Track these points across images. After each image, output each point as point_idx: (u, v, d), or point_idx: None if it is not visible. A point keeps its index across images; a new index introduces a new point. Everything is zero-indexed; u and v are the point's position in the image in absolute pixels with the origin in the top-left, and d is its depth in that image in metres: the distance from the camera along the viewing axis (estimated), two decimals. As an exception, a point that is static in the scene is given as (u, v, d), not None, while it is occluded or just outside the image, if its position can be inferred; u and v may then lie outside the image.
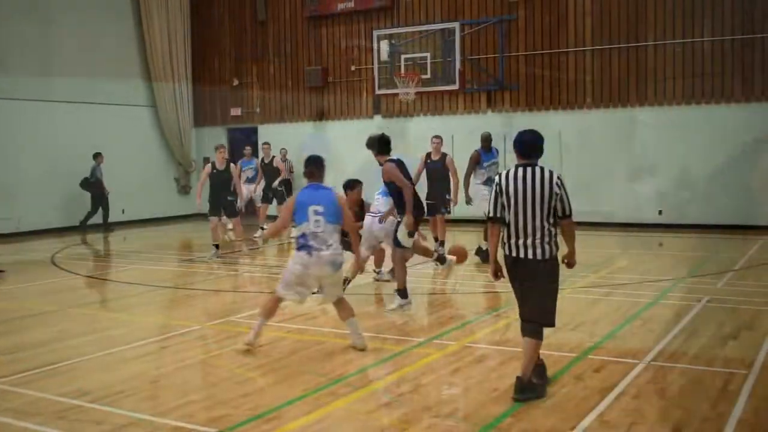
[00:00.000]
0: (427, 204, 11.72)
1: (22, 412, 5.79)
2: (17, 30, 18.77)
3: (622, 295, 9.77)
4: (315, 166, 7.42)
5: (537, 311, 5.87)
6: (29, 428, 5.46)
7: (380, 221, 9.93)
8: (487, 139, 12.90)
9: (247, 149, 17.91)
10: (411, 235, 9.11)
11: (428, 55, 17.41)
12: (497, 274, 6.02)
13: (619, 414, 5.46)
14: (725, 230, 16.12)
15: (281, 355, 7.26)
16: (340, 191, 9.23)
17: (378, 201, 10.51)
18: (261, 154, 17.35)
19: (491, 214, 5.89)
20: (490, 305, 9.64)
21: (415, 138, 18.73)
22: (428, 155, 13.06)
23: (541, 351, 6.04)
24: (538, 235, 5.72)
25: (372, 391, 6.12)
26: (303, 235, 7.10)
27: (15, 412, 5.80)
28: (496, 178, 5.93)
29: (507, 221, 5.82)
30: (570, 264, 5.99)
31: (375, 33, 18.05)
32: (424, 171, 12.98)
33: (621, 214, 17.20)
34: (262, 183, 17.29)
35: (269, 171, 17.19)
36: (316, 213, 7.06)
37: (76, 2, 20.27)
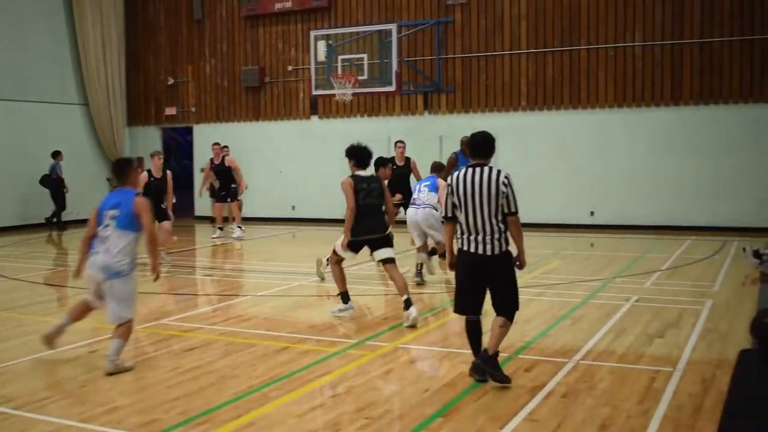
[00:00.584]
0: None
1: (-59, 419, 5.63)
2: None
3: (554, 296, 9.93)
4: (115, 171, 7.23)
5: (510, 301, 6.24)
6: (-51, 436, 5.31)
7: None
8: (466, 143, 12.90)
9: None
10: (351, 247, 8.82)
11: (365, 56, 17.41)
12: (452, 266, 6.38)
13: (547, 413, 5.54)
14: (655, 231, 16.53)
15: (213, 357, 7.19)
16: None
17: (422, 192, 10.91)
18: (211, 155, 16.97)
19: (444, 214, 6.31)
20: (424, 306, 9.69)
21: (352, 139, 18.72)
22: (392, 161, 12.65)
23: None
24: (488, 231, 6.07)
25: (304, 394, 6.10)
26: (94, 238, 6.92)
27: (-66, 419, 5.63)
28: (448, 179, 6.29)
29: (459, 220, 6.17)
30: (520, 265, 6.26)
31: (312, 33, 17.98)
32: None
33: (554, 216, 17.52)
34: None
35: (221, 171, 16.71)
36: (111, 217, 6.83)
37: (4, -2, 19.80)
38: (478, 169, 6.14)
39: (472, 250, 6.12)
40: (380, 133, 18.81)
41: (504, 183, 6.06)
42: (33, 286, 11.61)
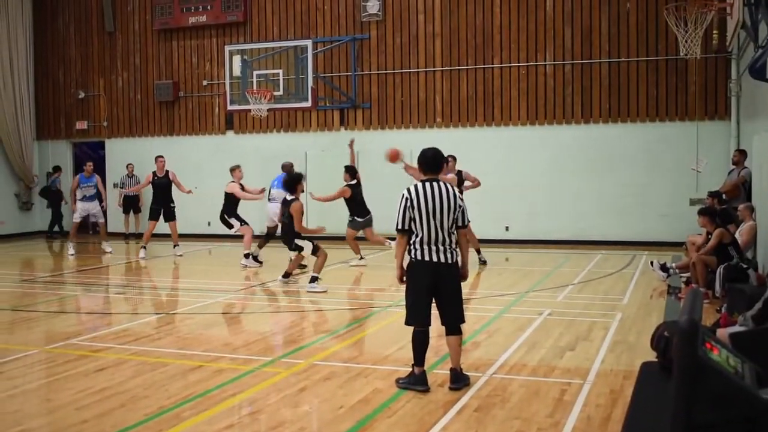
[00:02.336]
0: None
1: None
2: None
3: (469, 310, 9.98)
4: None
5: (460, 311, 6.54)
6: None
7: None
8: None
9: (88, 165, 17.29)
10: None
11: (281, 71, 17.37)
12: (402, 279, 6.56)
13: (460, 426, 5.61)
14: (568, 245, 16.93)
15: (123, 378, 7.03)
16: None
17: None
18: (154, 168, 16.62)
19: (400, 226, 6.42)
20: (340, 322, 9.68)
21: (268, 155, 18.66)
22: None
23: (386, 367, 6.13)
24: (447, 242, 6.38)
25: (218, 413, 6.01)
26: None
27: None
28: (405, 192, 6.44)
29: (416, 232, 6.36)
30: (463, 276, 6.60)
31: (227, 48, 17.88)
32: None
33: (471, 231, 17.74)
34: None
35: (162, 185, 16.28)
36: None
37: None
38: (435, 184, 6.41)
39: (435, 259, 6.34)
40: (297, 149, 18.78)
41: (460, 198, 6.46)
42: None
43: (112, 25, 21.29)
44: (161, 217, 16.12)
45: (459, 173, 13.87)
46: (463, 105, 18.13)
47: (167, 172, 16.30)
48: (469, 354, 7.69)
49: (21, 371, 7.48)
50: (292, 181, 11.72)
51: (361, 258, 14.34)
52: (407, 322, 6.55)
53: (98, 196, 17.05)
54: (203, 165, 19.93)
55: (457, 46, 18.11)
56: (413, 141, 17.83)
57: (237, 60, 17.53)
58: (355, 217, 14.06)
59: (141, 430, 5.64)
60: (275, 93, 16.89)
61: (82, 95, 21.74)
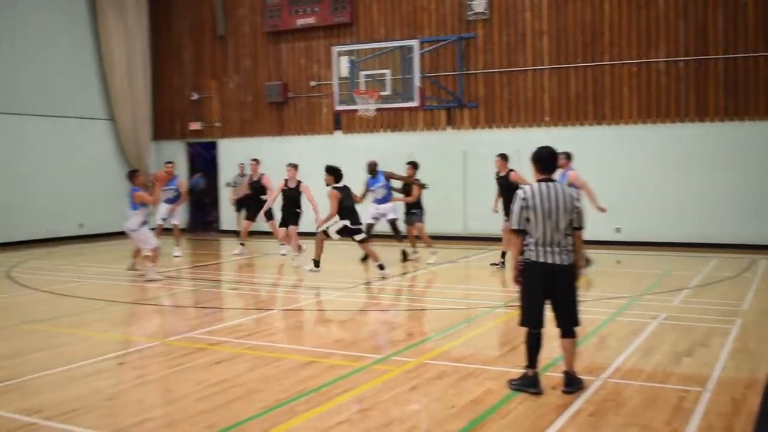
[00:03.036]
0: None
1: (-26, 431, 5.70)
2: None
3: (580, 312, 9.84)
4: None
5: (574, 314, 6.54)
6: (-19, 447, 5.37)
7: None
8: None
9: (168, 166, 16.70)
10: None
11: (388, 71, 17.46)
12: (517, 279, 6.49)
13: (574, 431, 5.52)
14: (682, 248, 16.40)
15: (240, 371, 7.22)
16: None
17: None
18: (249, 171, 16.98)
19: (515, 226, 6.37)
20: (450, 322, 9.68)
21: (375, 154, 18.79)
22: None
23: (497, 368, 6.10)
24: (563, 244, 6.30)
25: (331, 408, 6.11)
26: None
27: (-33, 431, 5.70)
28: (521, 192, 6.32)
29: (530, 232, 6.30)
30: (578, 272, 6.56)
31: (335, 49, 18.09)
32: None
33: (578, 231, 17.38)
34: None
35: (257, 189, 16.64)
36: None
37: (32, 14, 20.07)
38: (551, 185, 6.31)
39: (549, 261, 6.27)
40: (403, 149, 18.87)
41: (576, 199, 6.36)
42: (60, 298, 11.70)
43: (223, 29, 21.91)
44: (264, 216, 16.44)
45: (510, 172, 13.68)
46: (571, 103, 17.82)
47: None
48: (582, 357, 7.55)
49: (143, 362, 7.79)
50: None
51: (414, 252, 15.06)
52: (521, 323, 6.49)
53: (177, 199, 16.77)
54: (312, 165, 20.21)
55: (566, 43, 17.81)
56: (520, 140, 17.69)
57: (344, 60, 17.72)
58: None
59: (257, 422, 5.77)
60: (382, 93, 16.99)
61: (195, 97, 22.47)
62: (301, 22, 20.58)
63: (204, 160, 23.48)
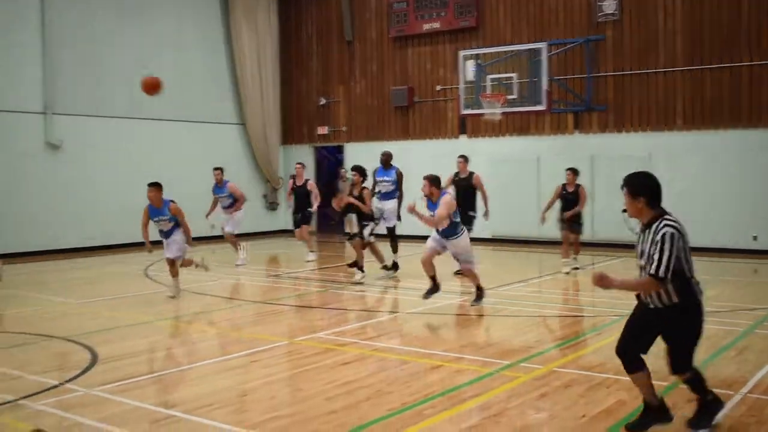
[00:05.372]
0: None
1: (121, 419, 5.99)
2: (110, 51, 19.69)
3: (715, 323, 9.44)
4: None
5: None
6: (126, 437, 5.64)
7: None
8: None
9: (216, 173, 16.17)
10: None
11: (515, 75, 17.31)
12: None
13: (714, 446, 5.31)
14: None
15: (367, 372, 7.31)
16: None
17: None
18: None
19: (664, 274, 5.18)
20: (577, 330, 9.49)
21: (501, 158, 18.69)
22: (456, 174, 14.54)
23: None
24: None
25: (459, 413, 6.10)
26: None
27: (114, 419, 6.00)
28: (669, 228, 5.22)
29: (690, 273, 5.36)
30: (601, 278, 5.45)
31: (461, 53, 18.06)
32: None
33: (712, 239, 16.67)
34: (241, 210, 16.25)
35: (301, 194, 16.27)
36: None
37: (166, 20, 21.02)
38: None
39: (702, 299, 5.47)
40: (530, 153, 18.66)
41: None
42: (193, 296, 12.15)
43: (350, 35, 22.27)
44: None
45: (470, 175, 13.95)
46: (706, 106, 17.13)
47: (306, 181, 16.36)
48: (719, 370, 7.25)
49: (273, 360, 8.00)
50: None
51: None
52: (688, 368, 5.62)
53: (233, 204, 16.15)
54: (437, 169, 20.23)
55: (701, 43, 17.14)
56: (651, 144, 17.22)
57: (470, 64, 17.68)
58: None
59: (385, 424, 5.83)
60: (509, 96, 16.85)
61: (323, 102, 22.93)
62: (427, 26, 20.68)
63: (330, 164, 23.95)
